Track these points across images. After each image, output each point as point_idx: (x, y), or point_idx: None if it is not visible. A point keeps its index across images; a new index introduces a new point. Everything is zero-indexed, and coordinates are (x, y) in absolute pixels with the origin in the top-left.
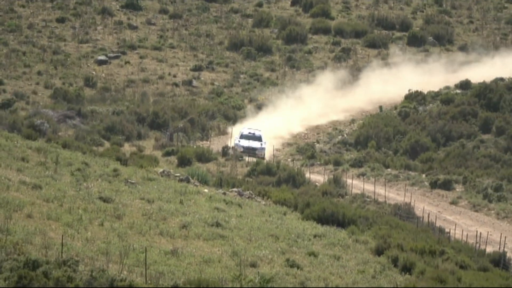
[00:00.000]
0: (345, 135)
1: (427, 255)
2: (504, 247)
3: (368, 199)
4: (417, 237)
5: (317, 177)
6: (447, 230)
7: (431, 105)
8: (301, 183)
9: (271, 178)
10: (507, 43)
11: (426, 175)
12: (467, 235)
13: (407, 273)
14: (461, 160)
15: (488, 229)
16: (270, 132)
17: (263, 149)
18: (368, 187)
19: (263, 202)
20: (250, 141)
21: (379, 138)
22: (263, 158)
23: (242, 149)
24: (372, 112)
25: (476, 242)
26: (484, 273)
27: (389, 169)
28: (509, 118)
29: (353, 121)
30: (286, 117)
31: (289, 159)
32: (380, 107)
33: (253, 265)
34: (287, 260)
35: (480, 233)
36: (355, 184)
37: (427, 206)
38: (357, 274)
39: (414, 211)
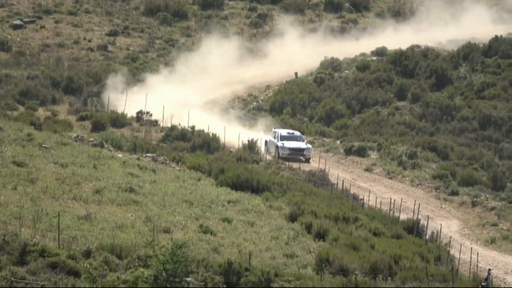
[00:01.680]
0: (260, 102)
1: (341, 222)
2: (417, 214)
3: (283, 166)
4: (331, 204)
5: (232, 143)
6: (361, 197)
7: (346, 71)
8: (216, 149)
9: (185, 143)
10: (422, 10)
11: (341, 142)
12: (381, 202)
13: (321, 239)
14: (376, 127)
15: (402, 196)
16: (182, 98)
17: (309, 149)
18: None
19: (178, 168)
20: (294, 141)
21: (294, 105)
22: (309, 159)
23: (288, 151)
24: (288, 79)
25: (390, 209)
26: (397, 240)
27: (304, 136)
28: (425, 85)
29: (268, 87)
30: (199, 83)
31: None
32: (296, 74)
33: (167, 230)
34: (201, 226)
35: (394, 200)
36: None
37: (342, 172)
38: (270, 240)
39: (328, 178)
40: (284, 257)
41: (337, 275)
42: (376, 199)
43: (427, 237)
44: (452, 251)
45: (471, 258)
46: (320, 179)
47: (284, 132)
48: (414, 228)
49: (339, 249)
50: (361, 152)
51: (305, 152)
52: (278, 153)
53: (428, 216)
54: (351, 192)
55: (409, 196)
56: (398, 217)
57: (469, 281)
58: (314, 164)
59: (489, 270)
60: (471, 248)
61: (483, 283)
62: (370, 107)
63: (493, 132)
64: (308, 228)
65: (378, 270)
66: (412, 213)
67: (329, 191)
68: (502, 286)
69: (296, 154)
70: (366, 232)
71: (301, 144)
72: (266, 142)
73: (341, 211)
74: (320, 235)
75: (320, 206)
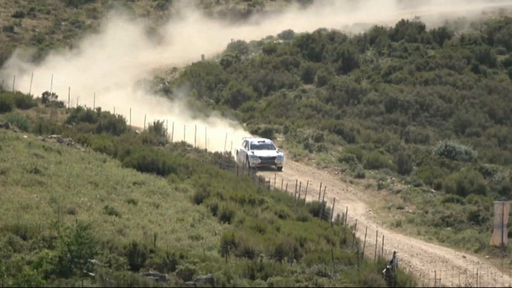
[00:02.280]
0: (167, 84)
1: (247, 204)
2: (323, 197)
3: (189, 148)
4: (237, 186)
5: (138, 125)
6: (267, 179)
7: (253, 54)
8: (122, 130)
9: (91, 125)
10: None
11: (247, 124)
12: (287, 184)
13: (226, 221)
14: (283, 110)
15: (308, 178)
16: (88, 80)
17: (281, 157)
18: (189, 135)
19: (83, 149)
20: (264, 150)
21: (200, 87)
22: (281, 168)
23: (259, 161)
24: (194, 61)
25: (296, 192)
26: (303, 223)
27: (210, 118)
28: (331, 68)
29: (174, 69)
30: (105, 65)
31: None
32: (202, 56)
33: (72, 212)
34: (106, 207)
35: (300, 183)
36: (177, 132)
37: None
38: (176, 222)
39: (234, 160)
40: (189, 239)
41: (243, 257)
42: (282, 181)
43: (332, 219)
44: (357, 234)
45: (376, 241)
46: (226, 161)
47: (254, 141)
48: (320, 211)
49: (245, 231)
50: (267, 135)
51: (276, 161)
52: (249, 162)
53: (334, 198)
54: (257, 174)
55: (315, 178)
56: (304, 200)
57: (375, 263)
58: (220, 147)
59: (394, 252)
60: (377, 231)
61: (388, 266)
62: (276, 90)
63: (399, 115)
64: (214, 210)
65: (284, 252)
66: (318, 196)
67: (235, 173)
68: (407, 269)
69: (267, 163)
70: (271, 214)
71: (272, 153)
72: (237, 152)
73: (247, 193)
74: (226, 217)
75: (226, 188)
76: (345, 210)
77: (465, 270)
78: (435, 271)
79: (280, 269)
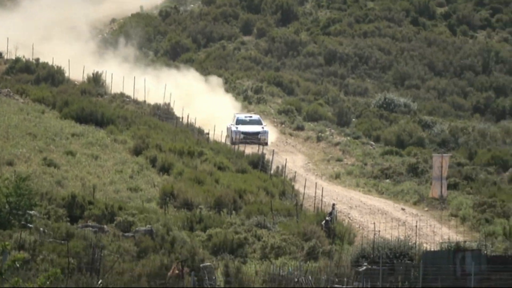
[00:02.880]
0: (105, 35)
1: (186, 155)
2: (262, 149)
3: (128, 99)
4: (175, 138)
5: (77, 76)
6: (206, 131)
7: (192, 5)
8: (61, 81)
9: (30, 76)
10: None
11: (185, 75)
12: (226, 136)
13: (165, 173)
14: (222, 62)
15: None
16: (27, 30)
17: (265, 132)
18: (128, 87)
19: (21, 100)
20: (249, 125)
21: (139, 38)
22: (266, 143)
23: (241, 136)
24: (133, 12)
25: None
26: (242, 175)
27: (149, 69)
28: (270, 20)
29: (113, 20)
30: (43, 16)
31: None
32: (141, 7)
33: (10, 163)
34: (45, 158)
35: None
36: (115, 84)
37: (188, 105)
38: (114, 173)
39: (173, 112)
40: (128, 191)
41: (182, 209)
42: (222, 133)
43: (272, 171)
44: (296, 186)
45: (315, 193)
46: (165, 113)
47: (241, 115)
48: (259, 163)
49: (184, 183)
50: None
51: (259, 136)
52: (232, 138)
53: (273, 150)
54: (196, 126)
55: None
56: (243, 152)
57: (314, 215)
58: (160, 99)
59: (334, 204)
60: (316, 183)
61: (327, 218)
62: (216, 42)
63: (339, 68)
64: (153, 162)
65: (223, 204)
66: (257, 148)
67: (174, 125)
68: (346, 221)
69: (251, 138)
70: (211, 166)
71: (257, 128)
72: (227, 128)
73: (186, 145)
74: (165, 169)
75: (165, 140)
76: (284, 162)
77: (404, 222)
78: (374, 223)
79: (219, 220)
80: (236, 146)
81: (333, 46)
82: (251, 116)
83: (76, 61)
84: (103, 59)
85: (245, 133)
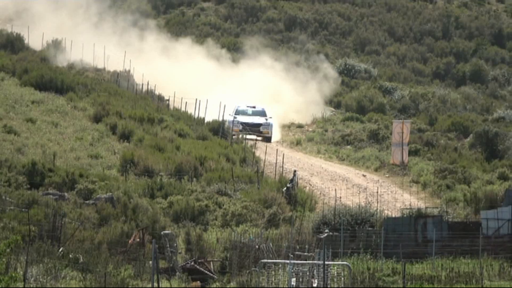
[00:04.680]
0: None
1: (146, 122)
2: (223, 116)
3: (87, 66)
4: (136, 105)
5: (37, 43)
6: (166, 97)
7: None
8: (20, 49)
9: None
10: None
11: (145, 41)
12: (186, 103)
13: (126, 140)
14: (181, 28)
15: (208, 96)
16: None
17: (269, 125)
18: (87, 56)
19: None
20: (251, 116)
21: (99, 5)
22: (270, 138)
23: (240, 127)
24: None
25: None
26: (203, 142)
27: (109, 36)
28: None
29: None
30: None
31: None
32: None
33: None
34: (4, 126)
35: (200, 101)
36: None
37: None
38: (75, 141)
39: (133, 79)
40: (88, 158)
41: (142, 176)
42: (182, 99)
43: (233, 138)
44: (257, 153)
45: (276, 159)
46: (125, 80)
47: (242, 105)
48: (219, 130)
49: (144, 150)
50: None
51: (261, 128)
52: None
53: (234, 117)
54: (157, 93)
55: (213, 96)
56: (204, 119)
57: (275, 182)
58: (119, 66)
59: (295, 171)
60: (277, 150)
61: (288, 184)
62: (175, 8)
63: (299, 33)
64: (113, 129)
65: (184, 171)
66: (218, 115)
67: (134, 92)
68: (308, 187)
69: (251, 130)
70: (171, 133)
71: (259, 119)
72: (227, 120)
73: (146, 112)
74: (125, 136)
75: (125, 107)
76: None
77: (366, 189)
78: (335, 190)
79: (180, 188)
80: (197, 113)
81: (293, 12)
82: (254, 107)
83: (36, 27)
84: (64, 26)
85: (245, 124)
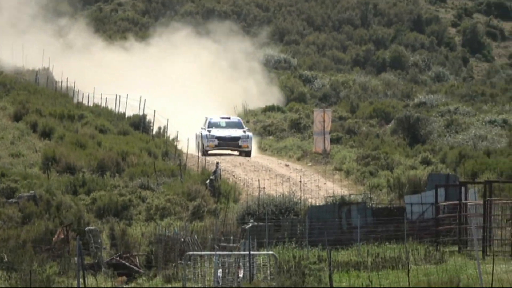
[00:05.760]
0: None
1: (66, 119)
2: (143, 110)
3: (6, 65)
4: (55, 102)
5: None
6: (86, 93)
7: None
8: None
9: None
10: None
11: (64, 38)
12: (106, 98)
13: (47, 138)
14: (99, 24)
15: (128, 91)
16: None
17: (248, 138)
18: (5, 55)
19: None
20: (226, 129)
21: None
22: (249, 152)
23: (216, 142)
24: None
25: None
26: (124, 137)
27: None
28: None
29: None
30: None
31: None
32: None
33: None
34: None
35: (120, 96)
36: None
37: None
38: None
39: (53, 76)
40: (10, 157)
41: (64, 173)
42: (102, 95)
43: (154, 132)
44: (179, 146)
45: (198, 152)
46: (44, 78)
47: (215, 117)
48: (140, 124)
49: (65, 147)
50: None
51: (240, 142)
52: (203, 145)
53: (154, 111)
54: (76, 89)
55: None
56: (124, 114)
57: (198, 174)
58: (38, 64)
59: (217, 163)
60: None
61: (211, 176)
62: (92, 4)
63: (217, 26)
64: (34, 127)
65: (106, 167)
66: (138, 109)
67: (53, 89)
68: (231, 179)
69: (228, 145)
70: (92, 129)
71: (236, 132)
72: (196, 135)
73: (66, 108)
74: (46, 134)
75: (45, 104)
76: (166, 123)
77: (289, 178)
78: (258, 180)
79: (102, 183)
80: (117, 108)
81: (211, 5)
82: (229, 118)
83: None
84: None
85: (221, 139)
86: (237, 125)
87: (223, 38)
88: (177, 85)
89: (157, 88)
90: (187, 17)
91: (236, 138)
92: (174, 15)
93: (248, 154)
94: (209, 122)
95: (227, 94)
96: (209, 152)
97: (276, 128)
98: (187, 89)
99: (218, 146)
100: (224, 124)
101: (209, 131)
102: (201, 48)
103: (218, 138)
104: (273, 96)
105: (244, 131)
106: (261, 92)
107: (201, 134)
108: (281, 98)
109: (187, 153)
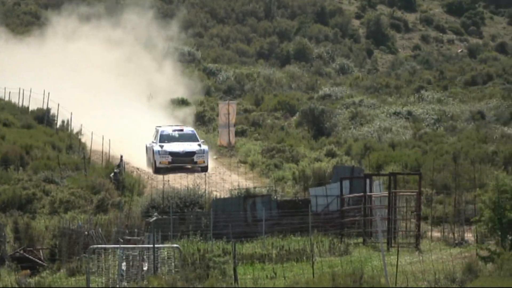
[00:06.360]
0: None
1: None
2: (48, 104)
3: None
4: None
5: None
6: None
7: None
8: None
9: None
10: None
11: None
12: (10, 92)
13: None
14: (2, 17)
15: (32, 86)
16: None
17: (204, 152)
18: None
19: None
20: (180, 142)
21: None
22: (206, 168)
23: (169, 158)
24: None
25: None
26: (28, 130)
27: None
28: None
29: None
30: None
31: None
32: None
33: None
34: None
35: (23, 90)
36: None
37: None
38: None
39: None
40: None
41: None
42: (5, 90)
43: (58, 126)
44: (83, 140)
45: (103, 145)
46: None
47: (167, 129)
48: (44, 118)
49: None
50: None
51: (195, 158)
52: (155, 162)
53: (58, 105)
54: None
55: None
56: (28, 108)
57: (102, 168)
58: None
59: (121, 156)
60: (103, 136)
61: (115, 170)
62: None
63: (122, 20)
64: None
65: (10, 160)
66: (42, 103)
67: None
68: (135, 172)
69: (183, 161)
70: None
71: (191, 146)
72: (146, 148)
73: None
74: None
75: None
76: (70, 116)
77: (193, 171)
78: (163, 175)
79: (6, 177)
80: (21, 102)
81: None
82: (181, 130)
83: None
84: None
85: (175, 154)
86: (191, 138)
87: (129, 30)
88: (82, 79)
89: (61, 81)
90: (92, 9)
91: (191, 153)
92: (76, 8)
93: (204, 169)
94: (161, 135)
95: (134, 86)
96: (162, 169)
97: (182, 121)
98: (93, 82)
99: (171, 163)
100: (177, 136)
101: (161, 146)
102: (106, 41)
103: (172, 154)
104: (179, 89)
105: (199, 144)
106: (168, 85)
107: (152, 149)
108: (187, 91)
109: (91, 147)
